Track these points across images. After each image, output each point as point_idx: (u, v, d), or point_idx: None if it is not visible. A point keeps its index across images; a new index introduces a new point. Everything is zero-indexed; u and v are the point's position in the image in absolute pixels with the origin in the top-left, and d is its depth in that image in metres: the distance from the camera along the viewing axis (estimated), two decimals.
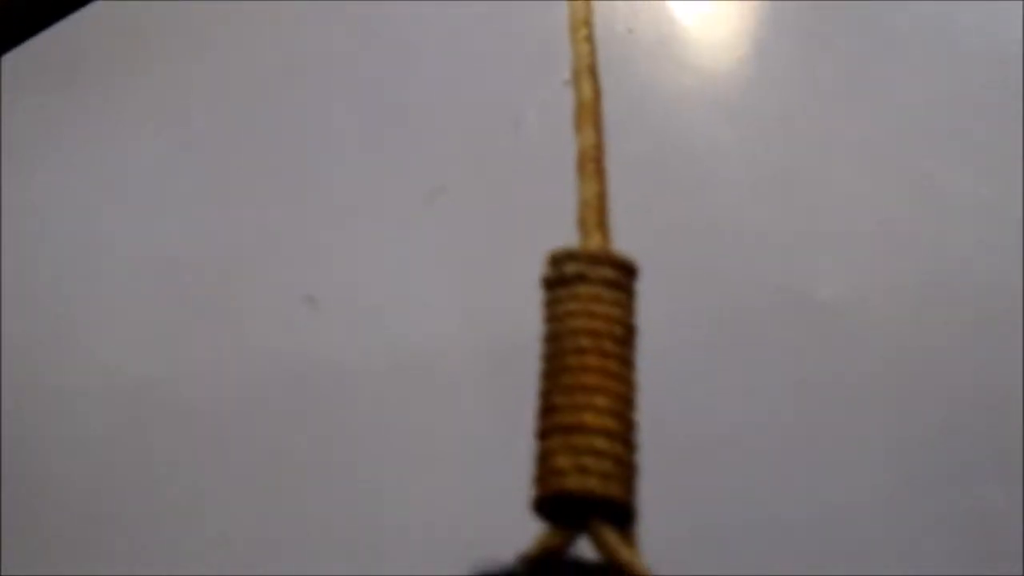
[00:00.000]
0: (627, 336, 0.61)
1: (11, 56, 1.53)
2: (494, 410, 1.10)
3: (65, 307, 1.33)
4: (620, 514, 0.57)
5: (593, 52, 0.70)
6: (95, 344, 1.30)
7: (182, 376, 1.26)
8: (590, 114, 0.66)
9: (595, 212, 0.64)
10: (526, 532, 0.57)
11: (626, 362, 0.60)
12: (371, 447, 1.21)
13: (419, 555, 1.05)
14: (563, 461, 0.56)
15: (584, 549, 0.57)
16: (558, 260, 0.62)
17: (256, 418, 1.24)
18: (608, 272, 0.62)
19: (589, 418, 0.57)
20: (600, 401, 0.58)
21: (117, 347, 1.29)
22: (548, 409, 0.58)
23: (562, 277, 0.62)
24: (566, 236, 0.63)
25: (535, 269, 0.62)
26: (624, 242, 0.64)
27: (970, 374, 1.18)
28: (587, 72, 0.68)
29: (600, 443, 0.57)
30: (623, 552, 0.56)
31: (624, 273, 0.63)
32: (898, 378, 1.17)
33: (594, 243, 0.63)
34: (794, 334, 1.17)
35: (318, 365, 1.23)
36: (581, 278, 0.62)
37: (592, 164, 0.65)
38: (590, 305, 0.61)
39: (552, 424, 0.58)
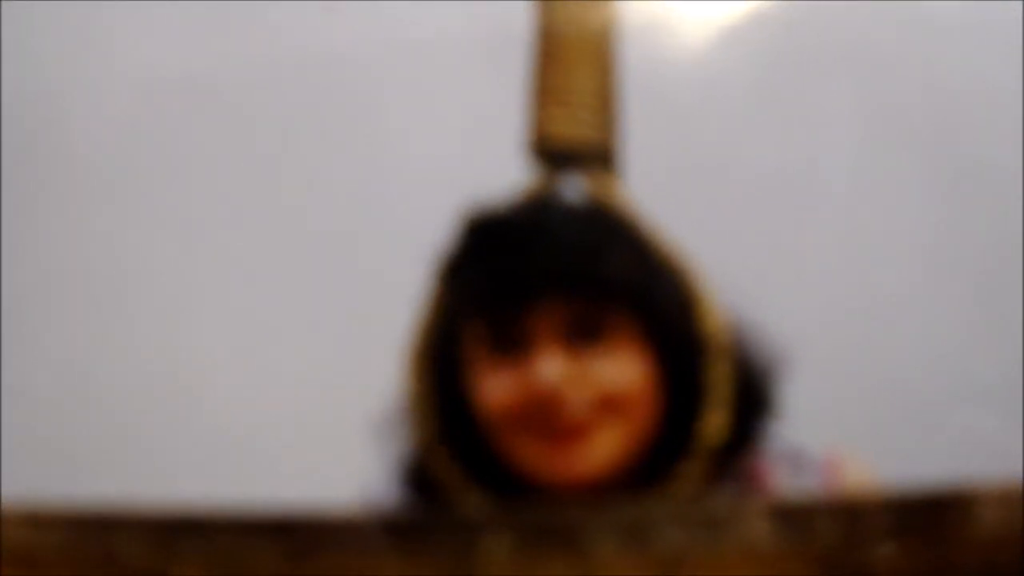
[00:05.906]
0: (608, 29, 0.73)
1: None
2: (490, 85, 1.24)
3: (108, 11, 1.45)
4: (604, 157, 0.71)
5: None
6: (136, 42, 1.44)
7: (215, 69, 1.40)
8: None
9: None
10: (520, 175, 0.70)
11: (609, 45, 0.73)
12: (385, 116, 1.37)
13: (427, 193, 1.23)
14: (554, 113, 0.70)
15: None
16: None
17: (282, 101, 1.39)
18: None
19: (576, 84, 0.71)
20: (585, 70, 0.71)
21: (155, 46, 1.42)
22: (540, 77, 0.72)
23: None
24: None
25: None
26: None
27: None
28: None
29: (587, 99, 0.71)
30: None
31: None
32: None
33: None
34: None
35: (335, 56, 1.37)
36: None
37: None
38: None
39: (543, 88, 0.71)
